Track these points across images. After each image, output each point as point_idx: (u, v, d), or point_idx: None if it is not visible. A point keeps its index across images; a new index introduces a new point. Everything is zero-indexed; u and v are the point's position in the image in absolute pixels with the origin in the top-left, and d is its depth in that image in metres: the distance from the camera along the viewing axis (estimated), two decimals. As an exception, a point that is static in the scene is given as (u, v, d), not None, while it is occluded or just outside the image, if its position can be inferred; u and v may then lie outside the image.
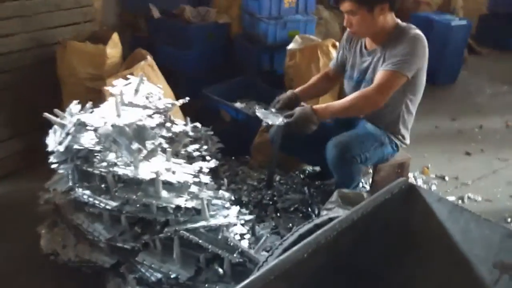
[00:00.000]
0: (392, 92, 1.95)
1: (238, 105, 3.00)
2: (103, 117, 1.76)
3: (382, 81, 1.93)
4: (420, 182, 2.77)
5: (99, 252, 1.82)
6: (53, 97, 2.75)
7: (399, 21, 2.05)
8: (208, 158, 2.08)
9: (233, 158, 2.82)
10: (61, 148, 1.71)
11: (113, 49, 2.69)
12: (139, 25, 3.77)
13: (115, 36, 2.74)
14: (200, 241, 1.56)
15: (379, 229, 1.21)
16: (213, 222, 1.59)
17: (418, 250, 1.22)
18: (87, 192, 1.79)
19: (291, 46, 2.99)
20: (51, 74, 2.79)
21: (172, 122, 2.20)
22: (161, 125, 2.07)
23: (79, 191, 1.81)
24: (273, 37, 3.32)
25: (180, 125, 2.26)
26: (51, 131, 1.89)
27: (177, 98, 2.26)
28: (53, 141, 1.81)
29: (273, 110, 2.17)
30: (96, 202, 1.73)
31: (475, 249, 1.14)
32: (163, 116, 2.13)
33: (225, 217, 1.62)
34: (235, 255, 1.52)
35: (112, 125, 1.70)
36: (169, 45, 3.53)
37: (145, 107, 1.95)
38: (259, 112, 2.14)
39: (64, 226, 1.99)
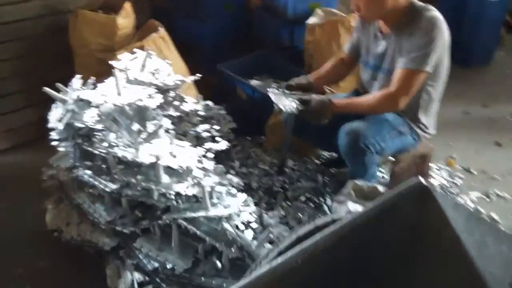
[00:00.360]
0: (414, 91, 1.86)
1: (254, 82, 2.87)
2: (104, 94, 1.68)
3: (403, 83, 1.83)
4: (444, 174, 2.59)
5: (101, 233, 1.78)
6: (67, 68, 2.69)
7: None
8: (218, 139, 1.99)
9: (248, 138, 2.72)
10: (60, 126, 1.65)
11: (125, 19, 2.59)
12: (157, -6, 3.63)
13: (128, 6, 2.62)
14: (198, 232, 1.48)
15: (386, 236, 1.10)
16: (213, 212, 1.50)
17: (427, 262, 1.11)
18: (88, 172, 1.74)
19: (311, 20, 2.81)
20: (64, 44, 2.73)
21: (182, 100, 2.11)
22: (168, 104, 1.98)
23: (81, 170, 1.76)
24: (293, 9, 3.12)
25: (191, 103, 2.17)
26: (53, 106, 1.83)
27: (193, 73, 2.16)
28: (54, 117, 1.76)
29: (286, 91, 2.06)
30: (96, 183, 1.68)
31: (491, 266, 1.01)
32: (172, 93, 2.04)
33: (225, 207, 1.53)
34: (233, 249, 1.44)
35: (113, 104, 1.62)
36: (186, 16, 3.39)
37: (150, 84, 1.86)
38: (272, 93, 2.04)
39: (68, 203, 1.96)
